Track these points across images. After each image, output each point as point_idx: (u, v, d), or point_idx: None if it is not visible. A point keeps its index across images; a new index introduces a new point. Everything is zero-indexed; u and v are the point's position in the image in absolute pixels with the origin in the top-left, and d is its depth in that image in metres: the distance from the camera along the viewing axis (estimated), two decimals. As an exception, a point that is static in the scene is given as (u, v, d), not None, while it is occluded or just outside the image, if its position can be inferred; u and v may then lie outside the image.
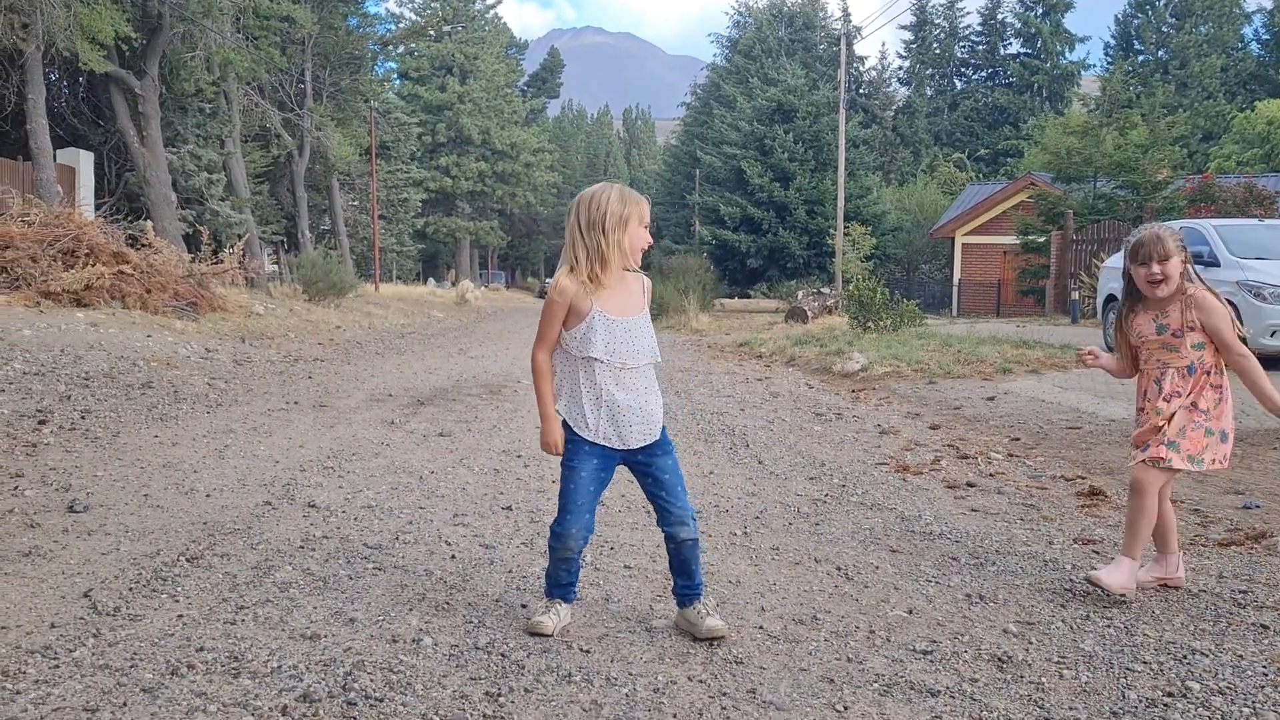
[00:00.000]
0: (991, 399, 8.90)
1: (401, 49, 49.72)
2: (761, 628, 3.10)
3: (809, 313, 23.14)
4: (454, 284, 50.95)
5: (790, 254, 36.43)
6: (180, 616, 3.01)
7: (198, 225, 23.54)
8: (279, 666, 2.65)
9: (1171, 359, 3.50)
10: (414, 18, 60.21)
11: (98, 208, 20.33)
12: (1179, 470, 3.51)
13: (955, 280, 33.81)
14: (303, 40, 28.91)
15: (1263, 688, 2.71)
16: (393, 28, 40.55)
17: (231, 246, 24.73)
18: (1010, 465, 6.08)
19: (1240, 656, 2.94)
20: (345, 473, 5.33)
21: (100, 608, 3.06)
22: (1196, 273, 3.56)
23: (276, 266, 32.26)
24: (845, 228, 30.11)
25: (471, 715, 2.40)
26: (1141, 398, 3.64)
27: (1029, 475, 5.77)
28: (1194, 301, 3.46)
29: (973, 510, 4.89)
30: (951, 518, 4.71)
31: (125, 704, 2.40)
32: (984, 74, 65.47)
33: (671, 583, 3.14)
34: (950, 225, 35.29)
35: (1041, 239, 26.10)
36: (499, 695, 2.52)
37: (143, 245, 15.93)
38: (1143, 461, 3.47)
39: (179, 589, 3.28)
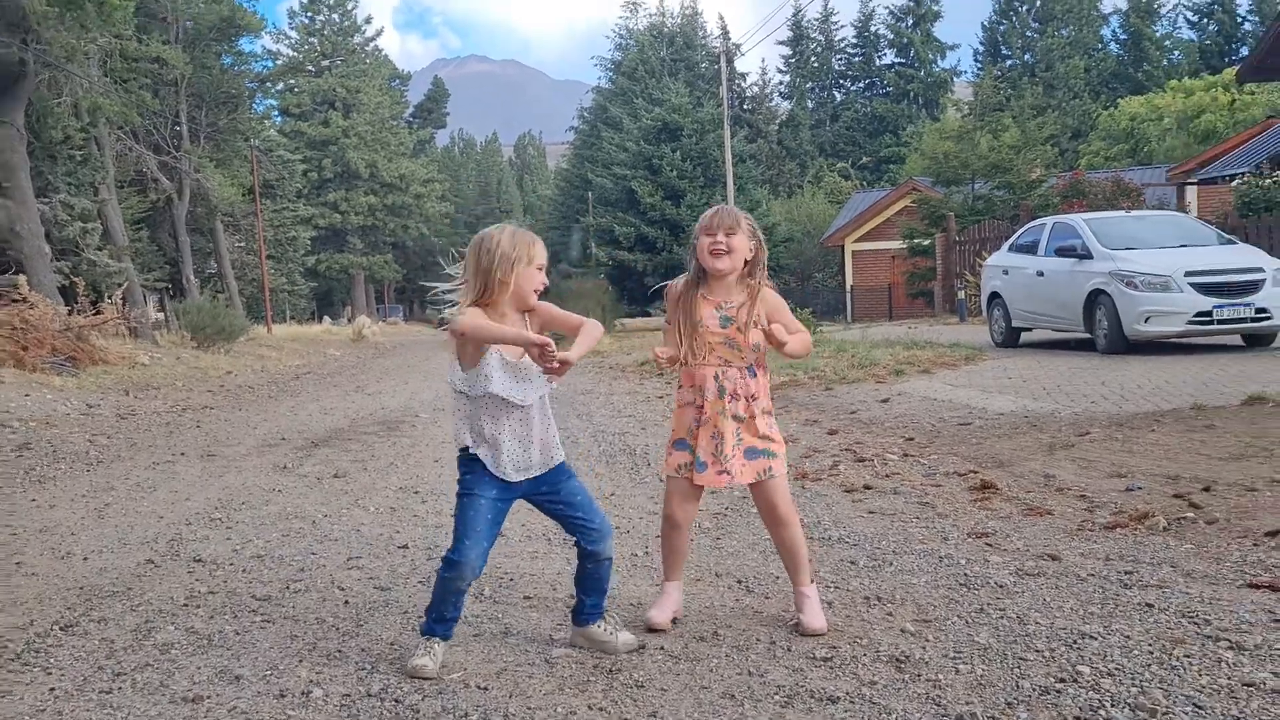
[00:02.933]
0: (886, 401, 9.06)
1: (280, 85, 48.89)
2: (663, 648, 3.07)
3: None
4: (350, 320, 50.09)
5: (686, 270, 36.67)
6: (52, 690, 2.85)
7: (74, 277, 22.70)
8: (158, 734, 2.52)
9: (732, 356, 3.22)
10: (291, 53, 59.34)
11: (-35, 263, 19.47)
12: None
13: (848, 287, 34.50)
14: (175, 81, 28.22)
15: (1149, 666, 2.78)
16: (270, 64, 39.81)
17: (111, 297, 23.95)
18: (905, 465, 6.18)
19: (1128, 637, 3.01)
20: (234, 523, 5.14)
21: (-37, 689, 2.88)
22: (765, 264, 3.30)
23: (162, 314, 31.27)
24: (738, 241, 30.45)
25: (363, 767, 2.32)
26: (696, 393, 3.25)
27: (924, 474, 5.87)
28: (763, 296, 3.23)
29: (870, 513, 4.95)
30: (850, 521, 4.76)
31: (-11, 790, 2.26)
32: (862, 84, 67.28)
33: (575, 603, 3.11)
34: (839, 234, 36.06)
35: (926, 242, 26.83)
36: (393, 744, 2.43)
37: (16, 300, 15.29)
38: (764, 482, 3.23)
39: (51, 660, 3.11)
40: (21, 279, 17.50)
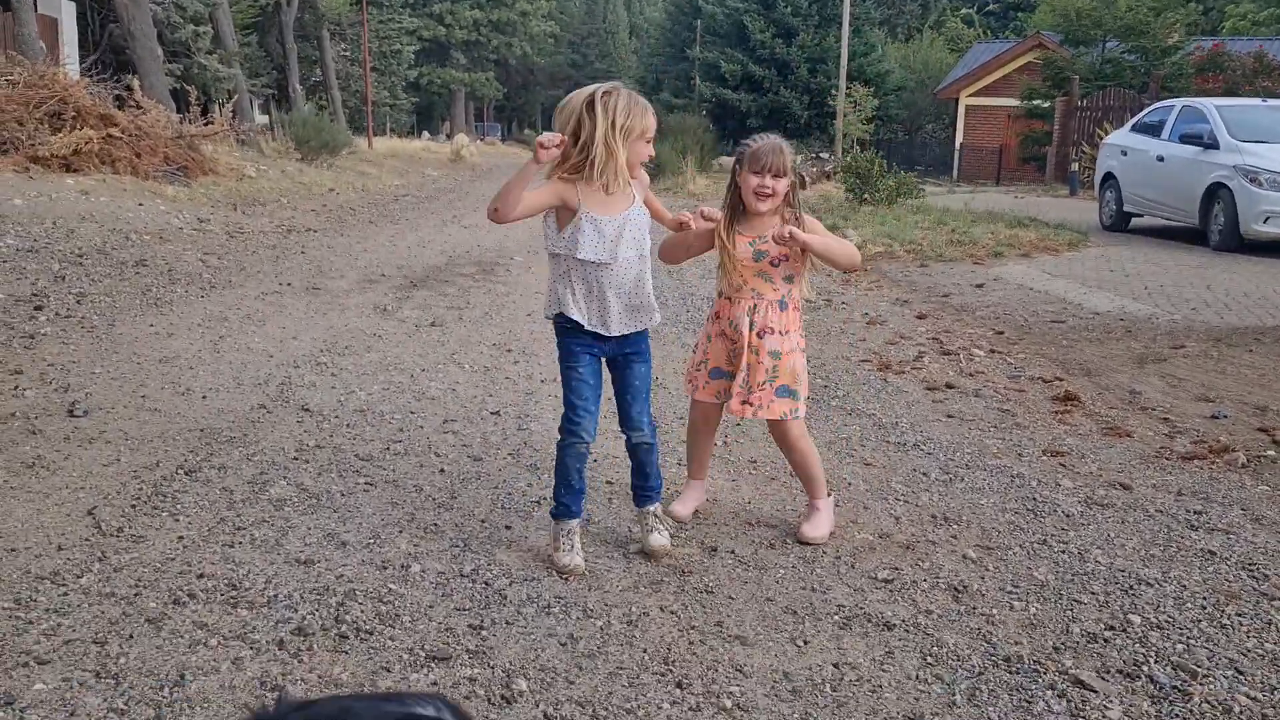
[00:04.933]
0: (980, 286, 8.97)
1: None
2: (733, 552, 3.27)
3: (807, 178, 22.93)
4: (449, 137, 50.12)
5: (791, 114, 35.75)
6: (180, 538, 3.17)
7: (185, 81, 23.04)
8: (275, 595, 2.81)
9: (765, 290, 3.30)
10: None
11: (82, 60, 19.88)
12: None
13: (957, 144, 33.33)
14: (288, -120, 27.71)
15: (1199, 622, 2.88)
16: None
17: (221, 103, 24.27)
18: (991, 363, 6.20)
19: (1184, 586, 3.11)
20: (338, 369, 5.44)
21: (104, 528, 3.21)
22: (799, 200, 3.37)
23: (268, 118, 31.70)
24: (847, 88, 29.51)
25: (455, 650, 2.57)
26: (729, 325, 3.36)
27: (1008, 375, 5.90)
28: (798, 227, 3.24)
29: (949, 416, 5.03)
30: (927, 425, 4.85)
31: (131, 636, 2.57)
32: (998, -79, 62.84)
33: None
34: (955, 86, 34.57)
35: (1046, 104, 25.65)
36: (482, 628, 2.68)
37: (130, 105, 15.65)
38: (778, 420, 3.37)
39: (178, 506, 3.43)
40: (135, 81, 17.87)
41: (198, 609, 2.72)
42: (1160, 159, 11.95)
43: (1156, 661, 2.66)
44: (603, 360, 3.17)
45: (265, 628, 2.63)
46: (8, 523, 3.22)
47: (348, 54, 39.35)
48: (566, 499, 3.15)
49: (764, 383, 3.31)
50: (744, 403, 3.34)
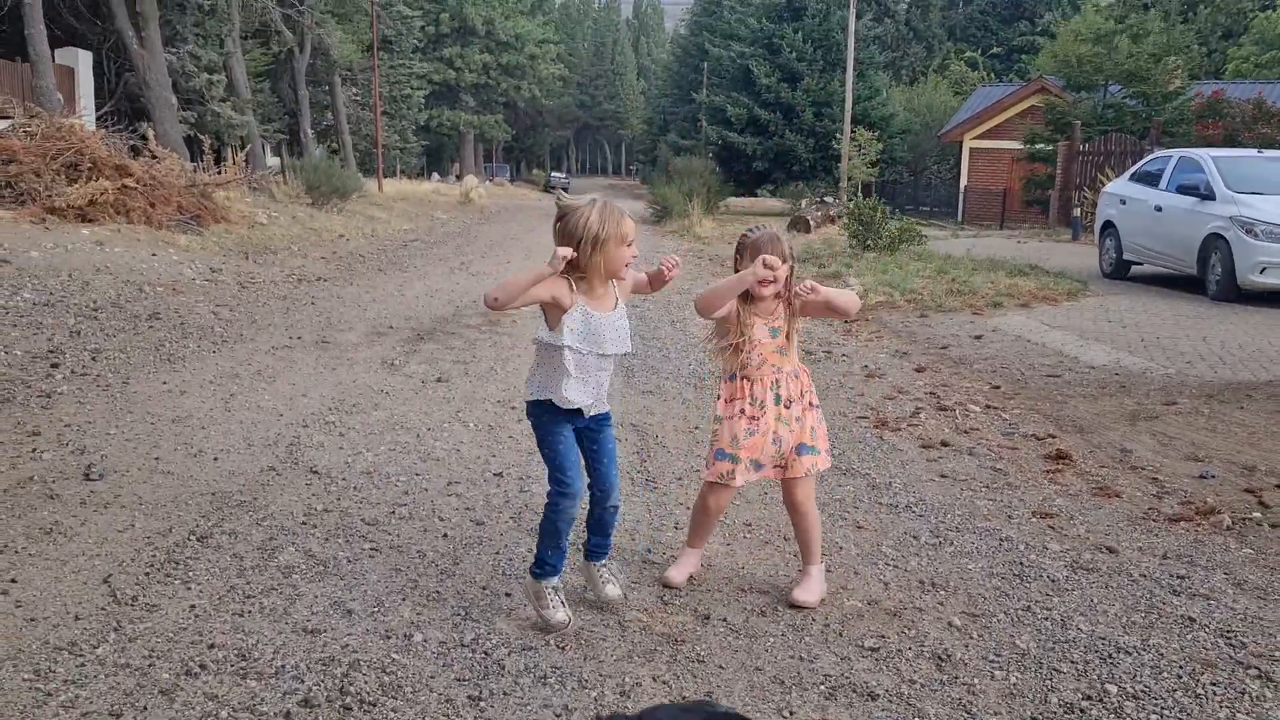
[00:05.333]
0: (979, 337, 9.10)
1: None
2: (725, 620, 3.38)
3: (811, 222, 23.17)
4: (458, 178, 50.67)
5: (796, 156, 36.16)
6: (192, 607, 3.29)
7: (198, 128, 23.43)
8: (283, 666, 2.93)
9: (783, 363, 3.55)
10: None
11: (98, 109, 20.24)
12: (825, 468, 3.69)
13: (962, 187, 33.62)
14: (302, -68, 28.29)
15: (1174, 691, 2.98)
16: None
17: (234, 149, 24.58)
18: (986, 419, 6.32)
19: (1162, 655, 3.21)
20: (346, 429, 5.58)
21: (119, 596, 3.34)
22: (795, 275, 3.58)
23: (279, 160, 32.13)
24: (852, 132, 29.85)
25: (454, 720, 2.69)
26: (752, 404, 3.53)
27: (1002, 432, 6.01)
28: (800, 304, 3.51)
29: (942, 476, 5.14)
30: (920, 485, 4.96)
31: (145, 708, 2.69)
32: (1001, -35, 63.58)
33: (585, 539, 3.56)
34: (959, 129, 34.93)
35: (1048, 148, 25.91)
36: (480, 700, 2.80)
37: (145, 154, 15.94)
38: (801, 478, 3.56)
39: (190, 573, 3.55)
40: (150, 130, 18.21)
41: (208, 680, 2.84)
42: (1158, 209, 12.11)
43: (1130, 733, 2.76)
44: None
45: (273, 699, 2.75)
46: (27, 591, 3.35)
47: (358, 98, 39.93)
48: (554, 559, 3.34)
49: (791, 447, 3.55)
50: (776, 467, 3.58)
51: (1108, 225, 13.35)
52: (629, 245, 3.27)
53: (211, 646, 3.03)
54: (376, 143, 35.29)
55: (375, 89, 35.39)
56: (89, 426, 5.37)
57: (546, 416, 3.34)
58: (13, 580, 3.43)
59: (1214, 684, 3.03)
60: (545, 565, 3.33)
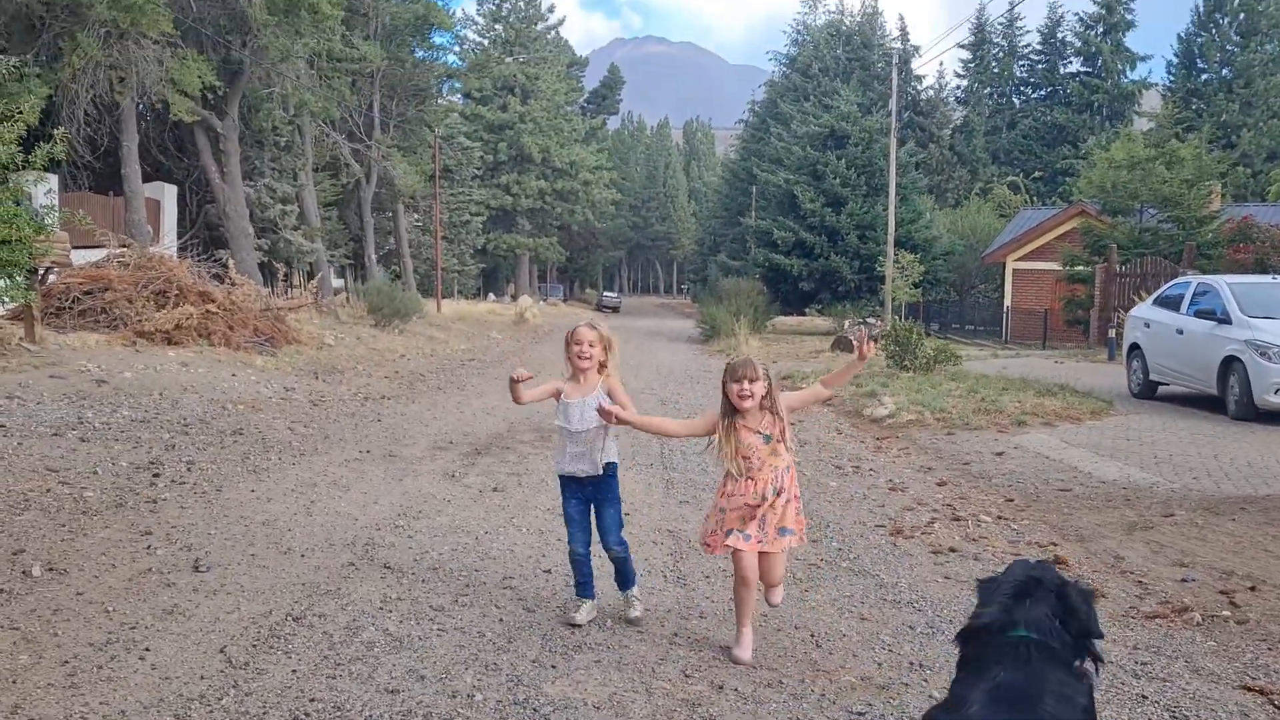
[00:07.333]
0: (1000, 454, 9.66)
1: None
2: (736, 689, 3.99)
3: (854, 342, 23.85)
4: (514, 298, 52.30)
5: (841, 278, 37.14)
6: (294, 671, 3.98)
7: (271, 255, 24.92)
8: (370, 716, 3.59)
9: (778, 463, 4.31)
10: (477, 39, 61.96)
11: (180, 237, 21.78)
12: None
13: (1006, 306, 34.25)
14: (372, 74, 30.34)
15: (1114, 751, 3.53)
16: (458, 60, 41.90)
17: (303, 274, 25.97)
18: (996, 529, 6.88)
19: (1110, 725, 3.76)
20: (414, 531, 6.30)
21: (234, 662, 4.04)
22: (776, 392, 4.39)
23: (343, 281, 33.71)
24: (895, 255, 30.76)
25: (509, 759, 3.33)
26: (755, 497, 4.31)
27: (1009, 540, 6.56)
28: (781, 413, 4.33)
29: (946, 577, 5.71)
30: (924, 585, 5.54)
31: (264, 744, 3.36)
32: (1043, 93, 65.28)
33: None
34: (1002, 250, 35.74)
35: (1087, 270, 26.55)
36: (529, 744, 3.44)
37: (225, 281, 17.20)
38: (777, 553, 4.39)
39: (290, 646, 4.25)
40: (229, 257, 19.58)
41: (312, 726, 3.51)
42: (1180, 331, 12.67)
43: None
44: (590, 503, 4.72)
45: (364, 740, 3.41)
46: (160, 657, 4.07)
47: (420, 224, 41.87)
48: (578, 585, 4.80)
49: (775, 527, 4.34)
50: (758, 541, 4.34)
51: (1134, 347, 13.90)
52: (578, 345, 4.64)
53: (312, 700, 3.71)
54: (436, 266, 36.88)
55: (436, 215, 37.15)
56: (192, 528, 6.15)
57: (561, 483, 4.74)
58: (146, 649, 4.16)
59: (1150, 746, 3.57)
60: (577, 585, 4.78)
